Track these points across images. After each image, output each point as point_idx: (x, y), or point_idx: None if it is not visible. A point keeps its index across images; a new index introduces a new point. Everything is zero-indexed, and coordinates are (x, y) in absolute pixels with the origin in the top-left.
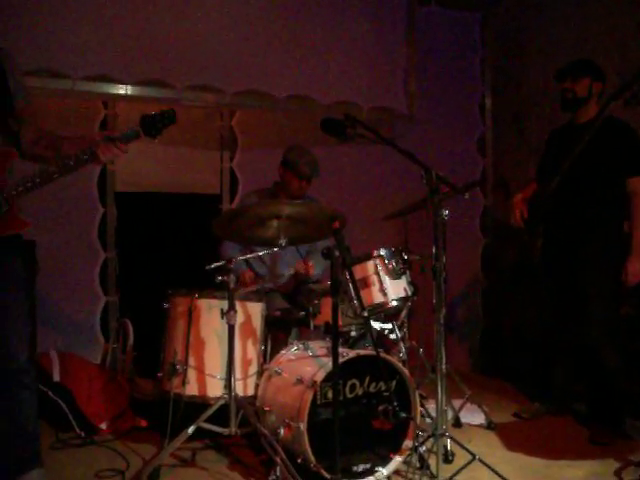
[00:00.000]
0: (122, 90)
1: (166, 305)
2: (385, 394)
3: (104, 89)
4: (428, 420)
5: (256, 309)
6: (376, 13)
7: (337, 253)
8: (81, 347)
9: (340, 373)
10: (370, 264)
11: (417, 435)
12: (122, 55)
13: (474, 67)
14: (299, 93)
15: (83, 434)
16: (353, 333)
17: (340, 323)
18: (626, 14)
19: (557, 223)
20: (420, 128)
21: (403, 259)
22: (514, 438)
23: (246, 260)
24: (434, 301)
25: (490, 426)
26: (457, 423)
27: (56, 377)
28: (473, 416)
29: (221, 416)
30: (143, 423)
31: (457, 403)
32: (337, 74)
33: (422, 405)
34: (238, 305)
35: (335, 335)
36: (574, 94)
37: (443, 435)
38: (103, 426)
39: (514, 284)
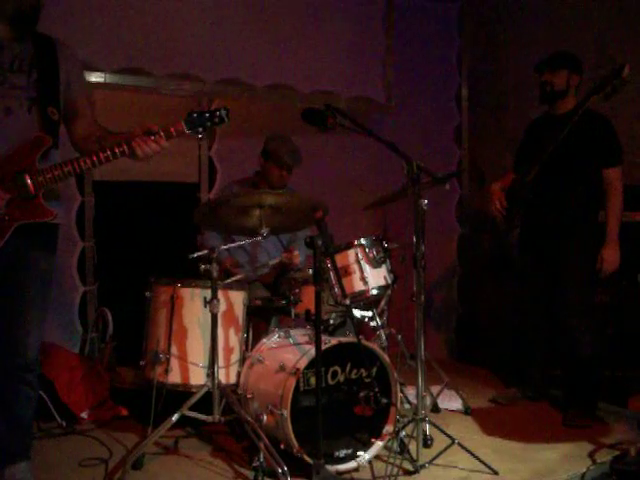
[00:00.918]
0: (100, 78)
1: (148, 294)
2: (366, 380)
3: None
4: (407, 406)
5: (238, 298)
6: (355, 2)
7: (319, 242)
8: (60, 337)
9: (322, 360)
10: (351, 253)
11: (397, 420)
12: (100, 43)
13: (451, 57)
14: (278, 82)
15: (64, 423)
16: (332, 321)
17: None
18: (604, 6)
19: (534, 212)
20: (397, 118)
21: (383, 248)
22: (491, 423)
23: (227, 250)
24: (414, 289)
25: (467, 411)
26: (435, 409)
27: None
28: (451, 402)
29: (204, 404)
30: (124, 412)
31: (435, 389)
32: (316, 63)
33: (401, 391)
34: (220, 294)
35: (318, 322)
36: (552, 87)
37: (423, 420)
38: (84, 415)
39: (489, 273)
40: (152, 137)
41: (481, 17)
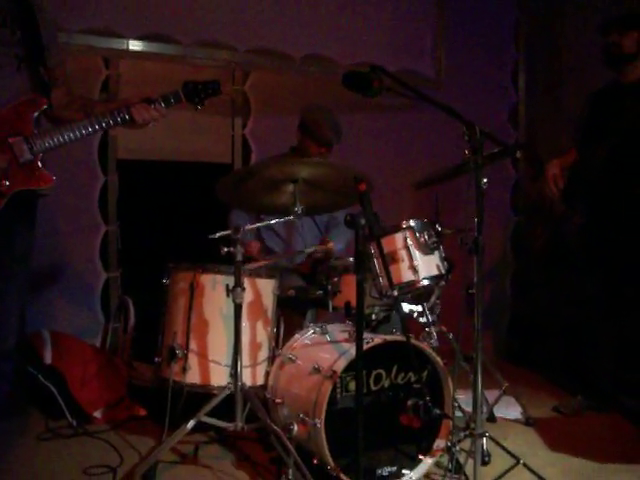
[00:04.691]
0: (122, 45)
1: (166, 281)
2: (415, 386)
3: (102, 44)
4: (459, 414)
5: (267, 286)
6: None
7: (363, 221)
8: (79, 327)
9: (364, 362)
10: (399, 237)
11: (452, 434)
12: (122, 6)
13: (507, 31)
14: (317, 53)
15: (75, 423)
16: (374, 316)
17: None
18: None
19: (604, 197)
20: (447, 95)
21: (437, 232)
22: (556, 436)
23: (258, 234)
24: (475, 280)
25: (528, 422)
26: (491, 417)
27: (47, 359)
28: (508, 409)
29: (227, 407)
30: (142, 412)
31: (490, 395)
32: (359, 33)
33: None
34: (247, 282)
35: (360, 317)
36: (620, 49)
37: (482, 436)
38: (97, 414)
39: (547, 266)
40: (152, 105)
41: None
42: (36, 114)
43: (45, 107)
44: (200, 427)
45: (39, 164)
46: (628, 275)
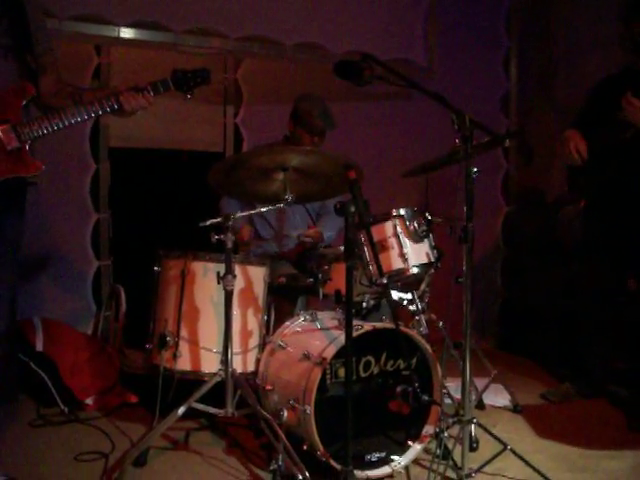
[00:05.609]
0: (114, 32)
1: (157, 268)
2: (404, 373)
3: (93, 31)
4: (448, 401)
5: (258, 274)
6: None
7: (352, 209)
8: (71, 315)
9: (354, 349)
10: (388, 225)
11: (440, 420)
12: None
13: (499, 19)
14: (309, 41)
15: (67, 410)
16: (365, 304)
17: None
18: None
19: (620, 183)
20: (438, 84)
21: (426, 220)
22: (544, 423)
23: (250, 221)
24: (464, 268)
25: (516, 409)
26: (480, 405)
27: (39, 346)
28: (497, 397)
29: (218, 393)
30: (133, 399)
31: (479, 382)
32: (351, 21)
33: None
34: (238, 269)
35: (349, 304)
36: None
37: (470, 422)
38: (89, 401)
39: (537, 255)
40: (141, 93)
41: None
42: (24, 102)
43: (33, 95)
44: (191, 413)
45: (27, 152)
46: (631, 265)
